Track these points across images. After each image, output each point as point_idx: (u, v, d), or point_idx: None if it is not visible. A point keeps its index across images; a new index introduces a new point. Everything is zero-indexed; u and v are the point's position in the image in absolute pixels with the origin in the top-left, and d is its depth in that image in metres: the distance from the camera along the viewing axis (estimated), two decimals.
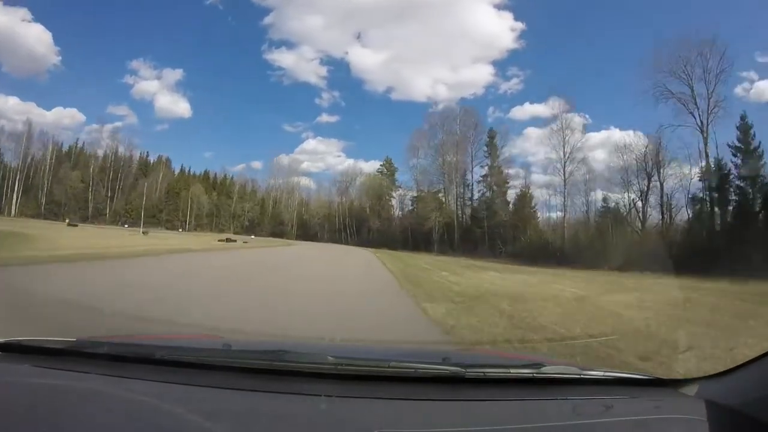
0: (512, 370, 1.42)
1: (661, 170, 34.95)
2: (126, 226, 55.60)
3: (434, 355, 1.88)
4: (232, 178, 66.89)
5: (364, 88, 70.33)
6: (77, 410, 1.10)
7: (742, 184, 30.00)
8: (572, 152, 40.91)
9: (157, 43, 70.32)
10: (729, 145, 30.72)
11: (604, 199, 39.43)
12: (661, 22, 50.39)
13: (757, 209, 28.93)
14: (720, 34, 32.50)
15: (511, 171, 48.13)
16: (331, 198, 65.06)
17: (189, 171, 66.88)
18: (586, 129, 42.37)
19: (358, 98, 64.97)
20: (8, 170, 54.45)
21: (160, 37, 72.32)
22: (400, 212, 59.32)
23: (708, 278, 15.67)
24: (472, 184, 50.52)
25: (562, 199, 41.67)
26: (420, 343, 4.86)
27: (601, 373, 1.49)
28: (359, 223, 60.50)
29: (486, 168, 49.43)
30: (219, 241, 32.06)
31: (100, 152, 60.32)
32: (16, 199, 54.43)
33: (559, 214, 42.63)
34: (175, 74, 61.96)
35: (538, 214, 45.84)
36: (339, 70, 68.86)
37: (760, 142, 29.86)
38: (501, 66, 68.10)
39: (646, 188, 34.91)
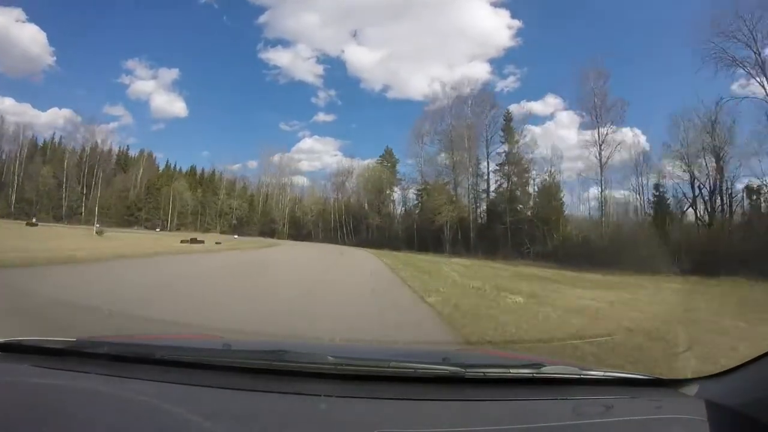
0: (512, 370, 1.43)
1: (723, 149, 27.87)
2: (97, 225, 50.29)
3: (434, 355, 1.89)
4: (221, 174, 64.49)
5: (361, 86, 70.14)
6: (77, 410, 1.12)
7: None
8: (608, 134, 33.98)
9: (153, 42, 71.12)
10: None
11: (657, 187, 32.19)
12: None
13: None
14: None
15: (533, 156, 41.07)
16: (327, 195, 62.78)
17: (175, 166, 64.46)
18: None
19: (354, 97, 64.70)
20: None
21: (155, 37, 72.06)
22: (403, 208, 54.98)
23: None
24: (488, 174, 43.56)
25: (599, 188, 34.76)
26: (420, 343, 4.78)
27: (601, 373, 1.50)
28: (357, 221, 56.76)
29: (503, 155, 42.39)
30: (182, 242, 25.36)
31: (79, 147, 58.24)
32: None
33: (588, 205, 35.95)
34: (170, 74, 62.25)
35: (566, 207, 38.84)
36: (335, 68, 67.96)
37: None
38: (498, 64, 64.87)
39: (714, 170, 27.59)
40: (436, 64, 73.11)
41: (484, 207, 44.18)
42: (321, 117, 67.86)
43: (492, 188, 44.23)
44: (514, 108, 44.79)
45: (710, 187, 28.26)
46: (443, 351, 2.94)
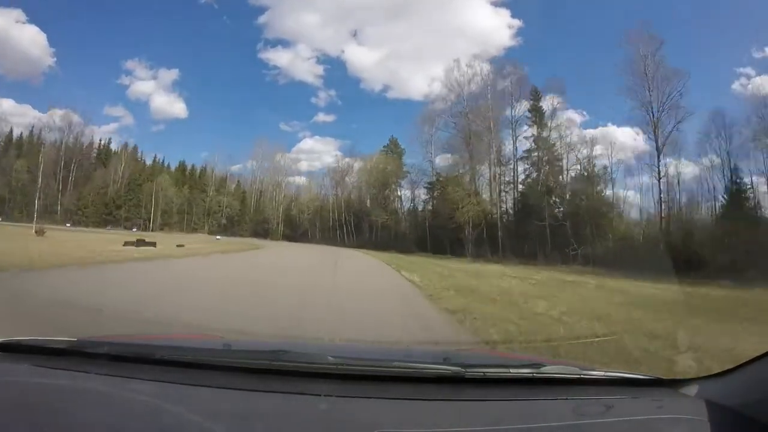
0: (512, 370, 1.44)
1: None
2: (68, 225, 44.87)
3: (434, 355, 1.91)
4: (212, 170, 61.46)
5: (361, 86, 69.21)
6: (77, 410, 1.12)
7: None
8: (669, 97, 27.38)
9: (153, 43, 71.51)
10: None
11: (733, 178, 25.45)
12: None
13: None
14: None
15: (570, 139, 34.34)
16: (325, 191, 58.87)
17: (163, 162, 61.37)
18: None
19: (354, 97, 63.99)
20: None
21: (155, 38, 73.71)
22: (412, 204, 50.17)
23: None
24: (515, 163, 36.79)
25: (657, 179, 28.13)
26: (420, 343, 4.78)
27: (602, 373, 1.51)
28: (359, 219, 52.07)
29: (531, 139, 35.69)
30: (125, 244, 18.85)
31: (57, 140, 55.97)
32: None
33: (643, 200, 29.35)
34: (170, 74, 61.58)
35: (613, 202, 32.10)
36: (335, 68, 66.90)
37: None
38: (498, 63, 58.91)
39: None
40: (436, 64, 71.65)
41: (510, 201, 37.51)
42: (321, 117, 67.64)
43: (519, 179, 37.55)
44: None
45: None
46: (443, 351, 2.88)
